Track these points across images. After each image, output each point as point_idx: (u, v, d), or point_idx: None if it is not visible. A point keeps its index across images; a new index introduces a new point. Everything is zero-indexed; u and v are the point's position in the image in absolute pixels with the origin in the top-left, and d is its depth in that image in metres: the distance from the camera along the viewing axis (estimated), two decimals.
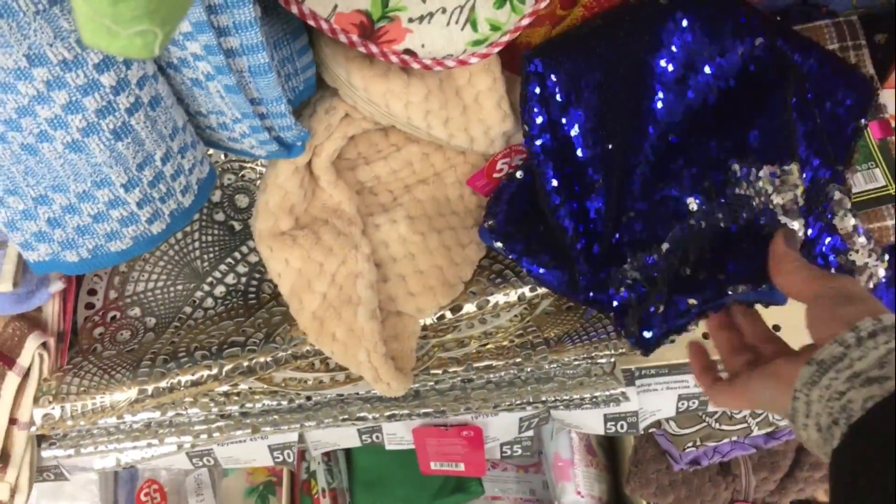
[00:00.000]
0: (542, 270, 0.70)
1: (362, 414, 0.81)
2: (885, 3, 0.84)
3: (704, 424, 0.94)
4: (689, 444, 0.94)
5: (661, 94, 0.69)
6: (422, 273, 0.74)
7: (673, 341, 0.65)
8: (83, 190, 0.57)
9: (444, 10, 0.61)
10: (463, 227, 0.78)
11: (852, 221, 0.65)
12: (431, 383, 0.79)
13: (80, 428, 0.78)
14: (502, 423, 0.89)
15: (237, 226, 0.83)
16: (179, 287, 0.81)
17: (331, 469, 1.09)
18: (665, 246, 0.64)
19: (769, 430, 0.95)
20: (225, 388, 0.77)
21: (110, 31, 0.25)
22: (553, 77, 0.67)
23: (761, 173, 0.61)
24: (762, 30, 0.69)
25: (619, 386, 0.82)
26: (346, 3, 0.58)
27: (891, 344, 0.44)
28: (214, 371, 0.72)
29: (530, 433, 0.92)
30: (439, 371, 0.77)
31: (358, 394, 0.80)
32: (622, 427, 0.89)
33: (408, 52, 0.61)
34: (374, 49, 0.60)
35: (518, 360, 0.76)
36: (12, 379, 0.74)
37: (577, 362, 0.78)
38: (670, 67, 0.69)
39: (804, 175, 0.66)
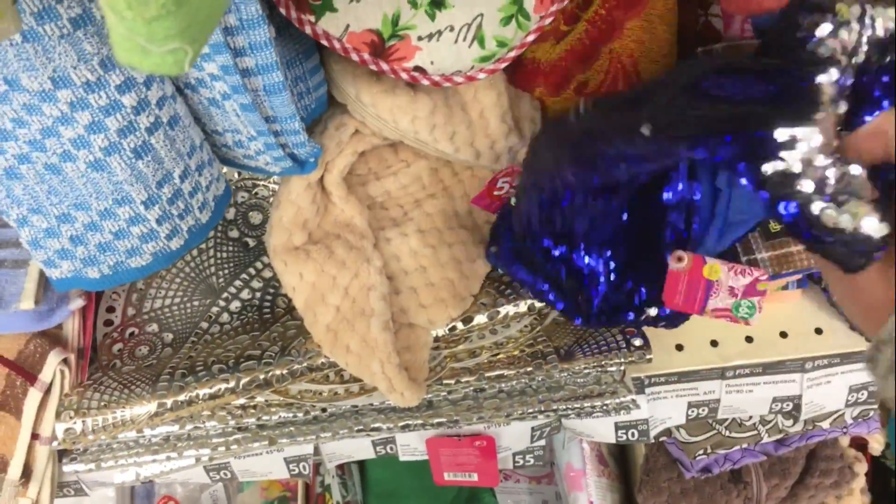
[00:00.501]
0: (550, 295, 0.71)
1: (377, 425, 0.82)
2: None
3: (715, 432, 0.95)
4: (700, 452, 0.95)
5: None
6: (433, 285, 0.75)
7: None
8: (105, 207, 0.59)
9: (452, 28, 0.63)
10: (472, 242, 0.79)
11: None
12: (444, 393, 0.81)
13: (101, 442, 0.80)
14: (514, 433, 0.90)
15: (251, 242, 0.85)
16: (196, 303, 0.83)
17: (345, 482, 1.10)
18: None
19: (779, 436, 0.96)
20: (242, 401, 0.78)
21: (144, 49, 0.27)
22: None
23: None
24: None
25: (630, 394, 0.83)
26: (358, 23, 0.60)
27: None
28: (232, 384, 0.73)
29: (542, 442, 0.93)
30: (452, 381, 0.78)
31: (372, 405, 0.81)
32: (633, 435, 0.90)
33: (417, 69, 0.63)
34: (384, 67, 0.62)
35: (529, 369, 0.78)
36: (34, 395, 0.75)
37: (587, 371, 0.79)
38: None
39: None
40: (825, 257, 0.43)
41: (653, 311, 0.69)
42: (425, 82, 0.63)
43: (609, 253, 0.68)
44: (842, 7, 0.44)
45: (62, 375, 0.76)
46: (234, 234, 0.85)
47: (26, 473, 0.78)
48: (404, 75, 0.63)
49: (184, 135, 0.59)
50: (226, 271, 0.84)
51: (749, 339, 0.86)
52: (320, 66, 0.68)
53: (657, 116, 0.50)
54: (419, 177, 0.80)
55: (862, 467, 0.99)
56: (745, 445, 0.96)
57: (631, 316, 0.69)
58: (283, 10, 0.59)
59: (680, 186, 0.67)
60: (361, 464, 1.16)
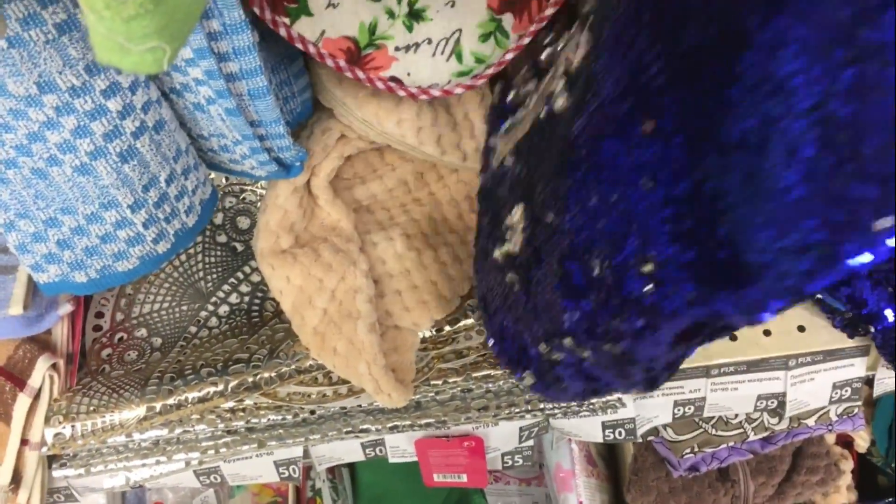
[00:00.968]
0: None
1: (365, 426, 0.83)
2: None
3: (701, 430, 0.96)
4: (687, 451, 0.96)
5: None
6: (416, 288, 0.76)
7: None
8: (91, 212, 0.59)
9: (430, 41, 0.63)
10: (461, 243, 0.80)
11: None
12: (432, 394, 0.81)
13: (91, 447, 0.80)
14: (503, 433, 0.90)
15: (239, 247, 0.86)
16: (184, 307, 0.83)
17: (336, 487, 1.11)
18: None
19: (765, 434, 0.96)
20: (231, 404, 0.78)
21: (123, 48, 0.28)
22: None
23: None
24: None
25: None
26: (334, 29, 0.61)
27: None
28: (220, 387, 0.74)
29: (531, 443, 0.93)
30: (439, 382, 0.79)
31: (361, 406, 0.82)
32: (620, 434, 0.90)
33: (393, 79, 0.64)
34: (360, 75, 0.63)
35: None
36: (23, 400, 0.76)
37: None
38: None
39: None
40: None
41: None
42: (402, 93, 0.64)
43: None
44: None
45: (51, 381, 0.77)
46: (223, 238, 0.86)
47: (16, 479, 0.78)
48: (380, 84, 0.63)
49: (169, 139, 0.60)
50: (214, 276, 0.84)
51: (733, 338, 0.86)
52: (305, 71, 0.69)
53: None
54: (405, 181, 0.81)
55: (848, 465, 1.00)
56: (731, 444, 0.97)
57: None
58: (256, 10, 0.59)
59: None
60: (352, 468, 1.17)
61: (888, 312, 0.79)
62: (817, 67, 0.35)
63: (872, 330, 0.81)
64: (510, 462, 0.96)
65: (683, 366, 0.86)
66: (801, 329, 0.87)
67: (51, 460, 0.82)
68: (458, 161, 0.75)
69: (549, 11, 0.65)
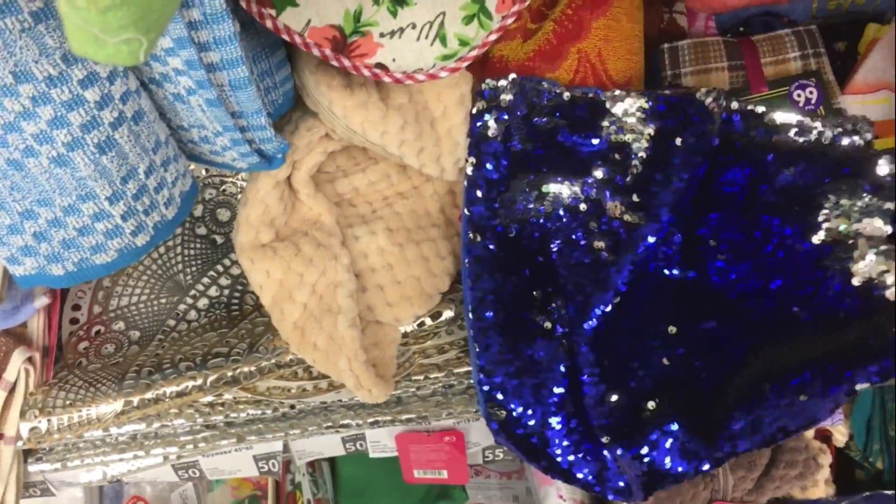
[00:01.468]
0: None
1: (346, 421, 0.82)
2: (845, 13, 0.87)
3: None
4: None
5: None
6: (399, 283, 0.75)
7: None
8: (68, 204, 0.58)
9: (414, 26, 0.63)
10: (443, 238, 0.80)
11: None
12: (413, 389, 0.81)
13: (67, 441, 0.79)
14: (484, 428, 0.90)
15: (219, 239, 0.85)
16: (163, 300, 0.82)
17: (316, 480, 1.10)
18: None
19: None
20: (209, 398, 0.78)
21: (98, 39, 0.27)
22: None
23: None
24: None
25: None
26: (319, 18, 0.61)
27: None
28: (199, 382, 0.73)
29: None
30: (420, 377, 0.79)
31: (341, 401, 0.81)
32: None
33: (379, 65, 0.63)
34: (346, 63, 0.62)
35: None
36: None
37: None
38: None
39: None
40: None
41: None
42: (387, 79, 0.64)
43: None
44: None
45: (27, 374, 0.76)
46: (202, 231, 0.85)
47: None
48: (366, 72, 0.63)
49: (148, 130, 0.59)
50: (193, 268, 0.83)
51: None
52: (287, 61, 0.68)
53: None
54: (388, 174, 0.80)
55: (826, 459, 1.01)
56: None
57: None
58: (243, 4, 0.58)
59: None
60: (332, 461, 1.16)
61: None
62: None
63: None
64: (491, 457, 0.96)
65: None
66: None
67: (26, 454, 0.81)
68: (436, 174, 0.75)
69: None
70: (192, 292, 0.82)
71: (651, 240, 0.72)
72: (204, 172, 0.84)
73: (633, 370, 0.72)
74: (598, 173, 0.75)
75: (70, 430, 0.73)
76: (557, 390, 0.71)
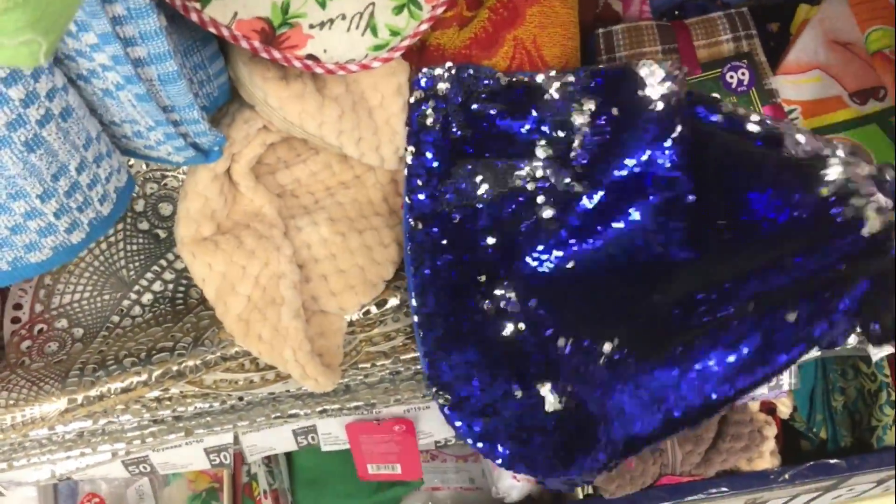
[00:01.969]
0: None
1: (294, 411, 0.83)
2: None
3: None
4: None
5: None
6: (343, 272, 0.76)
7: None
8: None
9: (343, 17, 0.63)
10: (386, 227, 0.80)
11: None
12: (361, 377, 0.81)
13: (12, 441, 0.79)
14: (434, 416, 0.91)
15: (162, 234, 0.84)
16: (106, 297, 0.82)
17: (272, 470, 1.11)
18: None
19: None
20: (156, 393, 0.78)
21: None
22: None
23: None
24: None
25: None
26: (247, 10, 0.60)
27: None
28: (144, 377, 0.73)
29: None
30: (368, 365, 0.79)
31: (289, 391, 0.82)
32: None
33: (310, 57, 0.63)
34: (276, 55, 0.62)
35: None
36: None
37: None
38: None
39: None
40: None
41: None
42: (319, 70, 0.64)
43: None
44: None
45: None
46: (144, 225, 0.84)
47: None
48: (297, 64, 0.63)
49: (78, 126, 0.59)
50: (136, 264, 0.83)
51: None
52: (220, 54, 0.68)
53: None
54: (329, 164, 0.80)
55: (772, 430, 1.03)
56: None
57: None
58: None
59: None
60: (288, 451, 1.17)
61: None
62: None
63: None
64: (443, 441, 0.97)
65: None
66: None
67: None
68: (377, 163, 0.76)
69: None
70: (136, 288, 0.82)
71: (590, 205, 0.72)
72: (144, 167, 0.83)
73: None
74: (541, 152, 0.75)
75: (14, 429, 0.73)
76: (504, 375, 0.72)
